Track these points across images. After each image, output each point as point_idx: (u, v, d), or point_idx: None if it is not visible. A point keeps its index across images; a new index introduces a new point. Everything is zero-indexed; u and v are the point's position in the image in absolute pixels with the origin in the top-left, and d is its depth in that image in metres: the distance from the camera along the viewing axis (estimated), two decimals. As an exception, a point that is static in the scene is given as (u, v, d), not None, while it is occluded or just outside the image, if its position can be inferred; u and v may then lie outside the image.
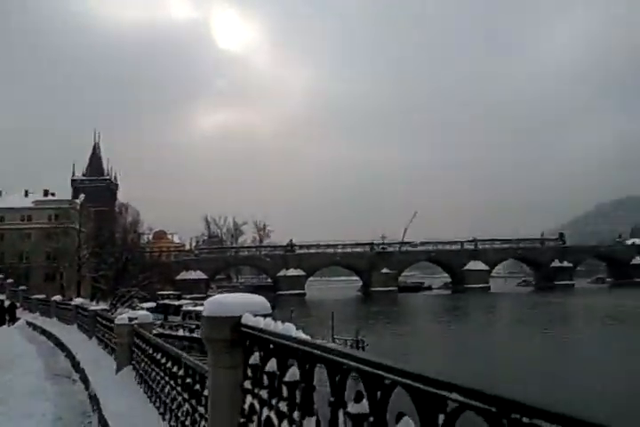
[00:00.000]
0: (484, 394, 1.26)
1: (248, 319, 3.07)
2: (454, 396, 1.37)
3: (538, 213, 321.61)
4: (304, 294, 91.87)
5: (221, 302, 3.35)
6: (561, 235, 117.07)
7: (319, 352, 2.25)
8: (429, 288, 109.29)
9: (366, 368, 1.85)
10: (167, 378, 6.22)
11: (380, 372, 1.77)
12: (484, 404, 1.27)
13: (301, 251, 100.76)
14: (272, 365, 2.77)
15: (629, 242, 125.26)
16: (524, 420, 1.13)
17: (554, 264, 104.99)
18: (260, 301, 3.32)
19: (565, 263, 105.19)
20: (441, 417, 1.51)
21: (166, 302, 50.36)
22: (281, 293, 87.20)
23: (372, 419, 1.87)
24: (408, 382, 1.60)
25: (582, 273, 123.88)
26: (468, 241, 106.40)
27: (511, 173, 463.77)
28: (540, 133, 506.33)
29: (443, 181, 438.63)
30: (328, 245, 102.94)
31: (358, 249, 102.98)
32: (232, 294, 3.61)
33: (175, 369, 5.78)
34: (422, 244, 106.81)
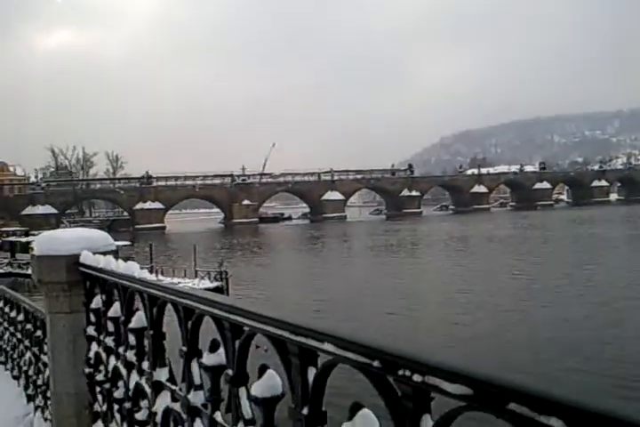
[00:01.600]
0: (364, 346, 1.04)
1: (87, 258, 2.63)
2: (327, 347, 1.14)
3: (391, 144, 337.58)
4: (164, 228, 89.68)
5: (55, 239, 2.85)
6: (410, 166, 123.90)
7: (166, 295, 1.93)
8: (289, 218, 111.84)
9: (221, 313, 1.58)
10: (6, 324, 5.62)
11: (237, 318, 1.50)
12: (363, 357, 1.04)
13: (159, 183, 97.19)
14: (116, 309, 2.40)
15: (469, 172, 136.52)
16: (415, 378, 0.93)
17: (403, 193, 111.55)
18: (100, 236, 2.86)
19: (414, 192, 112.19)
20: (311, 371, 1.27)
21: (12, 239, 47.33)
22: (139, 227, 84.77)
23: (230, 372, 1.60)
24: (270, 329, 1.33)
25: (429, 201, 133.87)
26: (325, 172, 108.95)
27: (366, 107, 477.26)
28: (392, 72, 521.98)
29: (304, 114, 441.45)
30: (186, 177, 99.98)
31: (218, 181, 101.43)
32: (68, 229, 3.12)
33: (14, 314, 5.18)
34: (282, 175, 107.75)
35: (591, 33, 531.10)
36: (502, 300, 23.06)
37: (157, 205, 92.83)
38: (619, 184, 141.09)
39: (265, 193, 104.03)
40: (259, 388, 1.41)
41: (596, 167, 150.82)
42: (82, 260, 2.68)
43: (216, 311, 1.62)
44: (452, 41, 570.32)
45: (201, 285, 28.00)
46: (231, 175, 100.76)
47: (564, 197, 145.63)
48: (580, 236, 51.69)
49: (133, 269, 2.22)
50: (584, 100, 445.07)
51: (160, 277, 28.73)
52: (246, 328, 1.51)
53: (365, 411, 1.16)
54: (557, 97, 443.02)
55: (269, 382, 1.41)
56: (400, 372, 0.96)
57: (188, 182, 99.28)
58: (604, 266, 31.55)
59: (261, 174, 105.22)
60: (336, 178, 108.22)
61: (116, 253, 2.77)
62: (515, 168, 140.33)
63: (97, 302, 2.64)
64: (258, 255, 47.94)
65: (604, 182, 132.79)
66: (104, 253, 2.63)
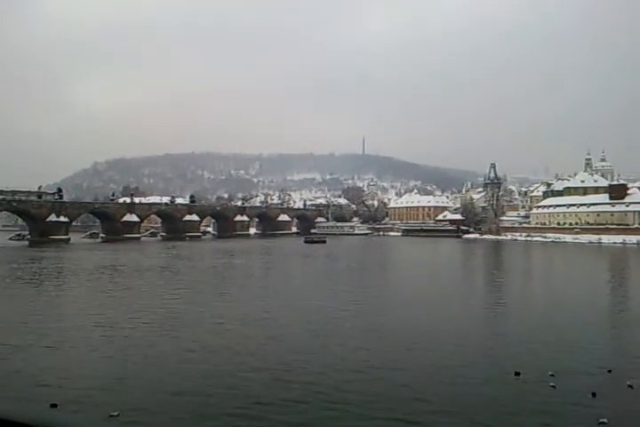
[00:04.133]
0: None
1: None
2: None
3: (40, 165, 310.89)
4: None
5: None
6: (59, 189, 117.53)
7: None
8: None
9: None
10: None
11: None
12: None
13: None
14: None
15: (121, 200, 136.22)
16: None
17: (50, 219, 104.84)
18: None
19: (62, 218, 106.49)
20: None
21: None
22: None
23: None
24: None
25: (78, 228, 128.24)
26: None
27: (14, 124, 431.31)
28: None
29: None
30: None
31: None
32: None
33: None
34: None
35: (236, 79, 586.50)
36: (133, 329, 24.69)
37: None
38: (257, 220, 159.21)
39: None
40: None
41: (239, 204, 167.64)
42: None
43: None
44: (119, 66, 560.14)
45: None
46: None
47: (210, 229, 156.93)
48: (219, 266, 57.42)
49: None
50: (233, 141, 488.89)
51: None
52: None
53: None
54: (211, 136, 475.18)
55: None
56: None
57: None
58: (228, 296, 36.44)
59: None
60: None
61: None
62: (166, 199, 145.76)
63: None
64: None
65: (245, 218, 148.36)
66: None
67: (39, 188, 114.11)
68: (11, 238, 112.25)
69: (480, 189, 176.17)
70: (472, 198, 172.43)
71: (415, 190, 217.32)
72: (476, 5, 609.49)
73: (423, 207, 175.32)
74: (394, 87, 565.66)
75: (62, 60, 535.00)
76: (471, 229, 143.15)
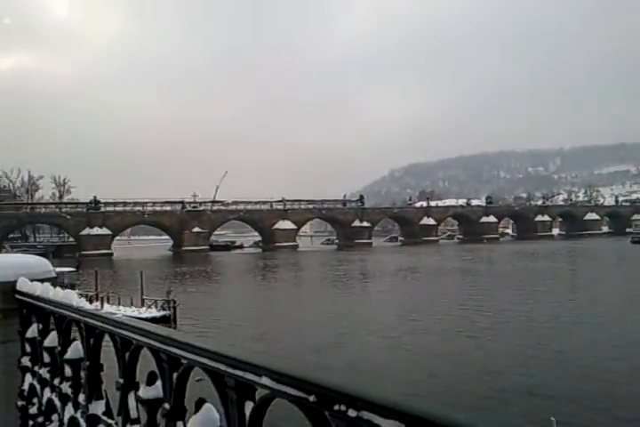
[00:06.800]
0: (300, 380, 1.02)
1: (23, 285, 2.54)
2: (264, 381, 1.12)
3: (343, 175, 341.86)
4: (111, 254, 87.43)
5: (-10, 264, 2.72)
6: (361, 197, 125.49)
7: (104, 325, 1.91)
8: (240, 247, 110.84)
9: (158, 345, 1.55)
10: None
11: (174, 350, 1.47)
12: (300, 392, 1.03)
13: (107, 208, 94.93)
14: (52, 339, 2.32)
15: (418, 204, 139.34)
16: (350, 413, 0.91)
17: (354, 224, 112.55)
18: (39, 262, 2.77)
19: (365, 223, 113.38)
20: (249, 405, 1.25)
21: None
22: (86, 253, 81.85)
23: (167, 405, 1.57)
24: (207, 362, 1.31)
25: (379, 232, 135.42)
26: (277, 201, 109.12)
27: (316, 139, 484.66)
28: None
29: (256, 142, 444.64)
30: (136, 203, 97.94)
31: (168, 207, 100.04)
32: (5, 255, 3.02)
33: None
34: (234, 203, 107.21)
35: (533, 76, 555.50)
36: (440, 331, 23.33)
37: (105, 230, 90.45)
38: (560, 219, 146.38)
39: (216, 221, 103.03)
40: (196, 422, 1.37)
41: (539, 203, 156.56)
42: (18, 287, 2.59)
43: (153, 343, 1.59)
44: (404, 77, 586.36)
45: (147, 314, 27.27)
46: (182, 202, 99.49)
47: (509, 230, 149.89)
48: (523, 269, 53.09)
49: (71, 297, 2.16)
50: (527, 137, 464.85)
51: (105, 305, 27.84)
52: (184, 361, 1.48)
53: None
54: (503, 134, 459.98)
55: (207, 417, 1.36)
56: (335, 407, 0.94)
57: (136, 208, 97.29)
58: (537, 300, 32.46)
59: (213, 202, 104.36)
60: (288, 207, 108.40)
61: (54, 281, 2.69)
62: (462, 202, 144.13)
63: (32, 331, 2.54)
64: (208, 284, 47.10)
65: (546, 217, 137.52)
66: (42, 281, 2.54)
67: (344, 196, 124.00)
68: (322, 243, 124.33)
69: None
70: None
71: None
72: None
73: None
74: None
75: (351, 76, 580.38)
76: None
